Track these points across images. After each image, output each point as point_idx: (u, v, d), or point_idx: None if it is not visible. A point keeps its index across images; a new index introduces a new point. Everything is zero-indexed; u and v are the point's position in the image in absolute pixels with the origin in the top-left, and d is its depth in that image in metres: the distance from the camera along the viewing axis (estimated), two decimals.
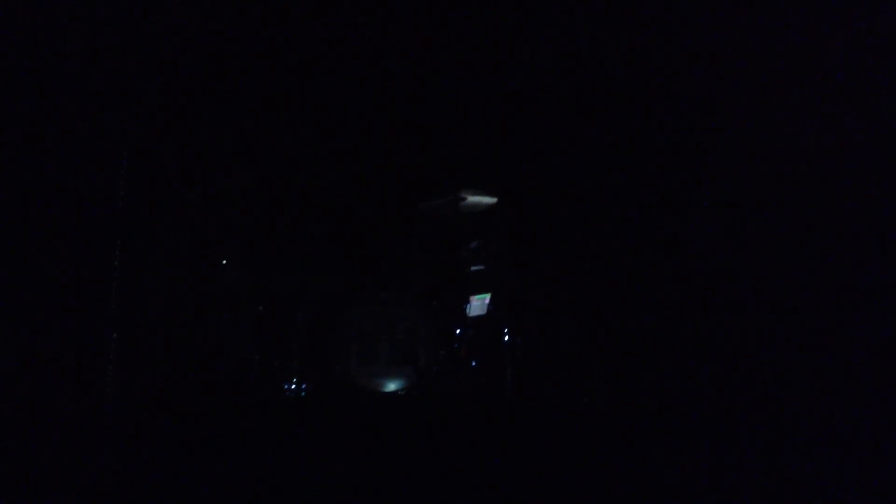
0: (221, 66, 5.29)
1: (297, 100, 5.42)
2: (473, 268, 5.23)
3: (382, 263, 5.45)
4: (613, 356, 4.67)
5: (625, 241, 4.83)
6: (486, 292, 5.21)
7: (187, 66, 5.14)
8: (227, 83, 5.33)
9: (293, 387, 5.00)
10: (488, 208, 5.18)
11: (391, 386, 5.07)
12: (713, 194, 4.54)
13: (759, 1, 4.44)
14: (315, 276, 5.48)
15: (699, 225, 4.46)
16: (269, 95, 5.47)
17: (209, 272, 5.28)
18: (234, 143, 5.47)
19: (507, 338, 5.05)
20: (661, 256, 4.68)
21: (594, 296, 4.81)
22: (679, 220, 4.65)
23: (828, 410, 3.85)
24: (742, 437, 3.95)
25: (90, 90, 4.91)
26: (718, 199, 4.52)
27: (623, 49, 4.86)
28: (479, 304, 5.21)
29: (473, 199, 5.16)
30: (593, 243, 4.88)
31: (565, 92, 5.04)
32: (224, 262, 5.33)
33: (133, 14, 4.91)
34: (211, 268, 5.29)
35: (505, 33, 5.17)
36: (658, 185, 4.76)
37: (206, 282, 5.29)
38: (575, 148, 5.09)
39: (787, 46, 4.33)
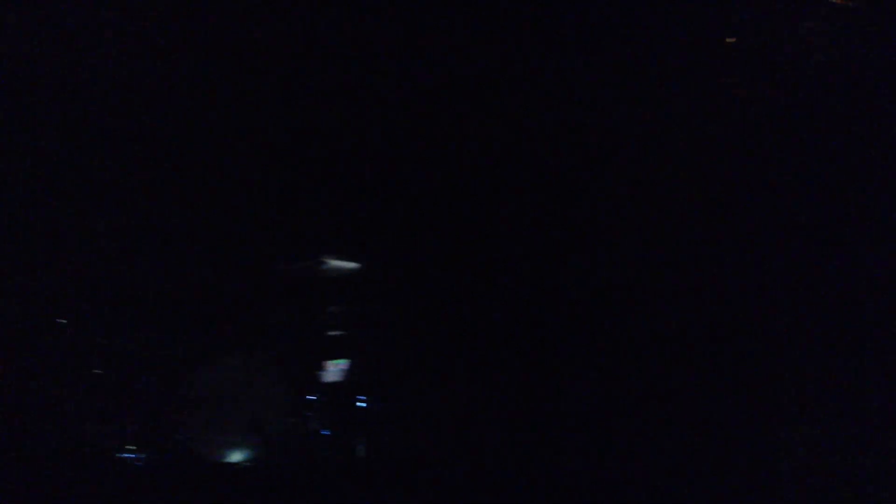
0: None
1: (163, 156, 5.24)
2: (331, 333, 5.11)
3: (232, 325, 5.23)
4: (481, 421, 4.66)
5: (484, 308, 4.89)
6: (343, 359, 5.09)
7: None
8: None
9: (130, 455, 4.67)
10: (349, 273, 5.12)
11: (236, 456, 4.83)
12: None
13: None
14: (157, 336, 5.19)
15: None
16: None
17: (44, 329, 4.91)
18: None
19: (363, 405, 4.93)
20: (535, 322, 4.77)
21: (460, 361, 4.81)
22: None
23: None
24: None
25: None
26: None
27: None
28: (334, 370, 5.08)
29: (334, 263, 5.09)
30: (456, 308, 4.91)
31: (433, 158, 5.12)
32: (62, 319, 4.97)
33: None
34: (46, 325, 4.92)
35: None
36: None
37: (39, 340, 4.91)
38: (435, 214, 5.16)
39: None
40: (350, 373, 5.05)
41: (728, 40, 4.99)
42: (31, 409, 4.68)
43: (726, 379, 4.44)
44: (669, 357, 4.62)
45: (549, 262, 4.93)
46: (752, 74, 4.98)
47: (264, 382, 4.97)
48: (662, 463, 4.40)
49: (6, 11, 4.85)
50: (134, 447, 4.68)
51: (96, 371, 4.89)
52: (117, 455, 4.67)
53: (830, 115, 4.82)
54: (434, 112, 5.23)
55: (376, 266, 5.18)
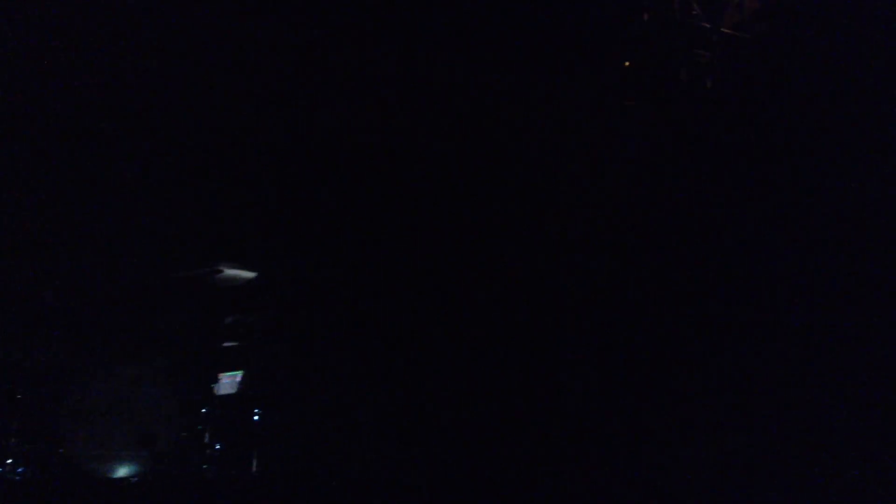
0: None
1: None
2: (226, 344, 4.99)
3: (123, 335, 5.05)
4: (375, 433, 4.61)
5: (380, 318, 4.87)
6: (238, 370, 4.97)
7: None
8: None
9: (9, 470, 4.43)
10: (246, 283, 5.02)
11: (123, 471, 4.64)
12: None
13: None
14: (42, 345, 4.96)
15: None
16: None
17: None
18: None
19: (257, 417, 4.83)
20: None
21: (356, 373, 4.76)
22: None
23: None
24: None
25: None
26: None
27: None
28: (229, 382, 4.96)
29: (231, 272, 4.98)
30: (354, 319, 4.87)
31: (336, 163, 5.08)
32: None
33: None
34: None
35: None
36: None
37: None
38: (333, 224, 5.12)
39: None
40: (244, 385, 4.94)
41: (626, 64, 5.14)
42: None
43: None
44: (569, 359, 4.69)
45: (445, 268, 4.94)
46: (647, 95, 5.14)
47: (155, 394, 4.81)
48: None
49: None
50: (12, 461, 4.44)
51: None
52: None
53: (719, 134, 5.02)
54: (325, 121, 5.19)
55: (273, 276, 5.08)
